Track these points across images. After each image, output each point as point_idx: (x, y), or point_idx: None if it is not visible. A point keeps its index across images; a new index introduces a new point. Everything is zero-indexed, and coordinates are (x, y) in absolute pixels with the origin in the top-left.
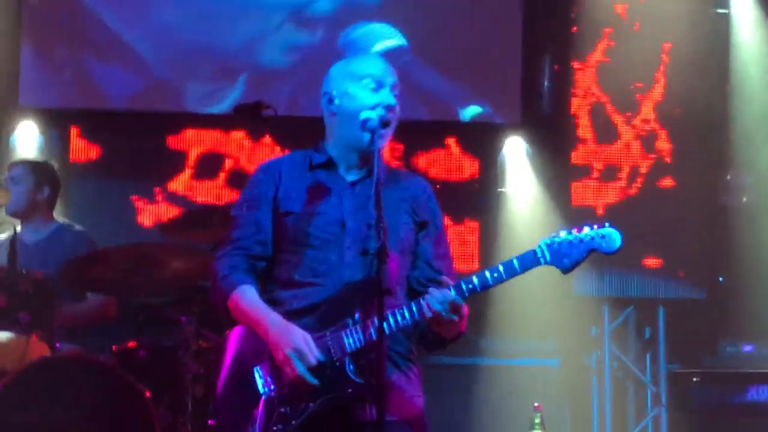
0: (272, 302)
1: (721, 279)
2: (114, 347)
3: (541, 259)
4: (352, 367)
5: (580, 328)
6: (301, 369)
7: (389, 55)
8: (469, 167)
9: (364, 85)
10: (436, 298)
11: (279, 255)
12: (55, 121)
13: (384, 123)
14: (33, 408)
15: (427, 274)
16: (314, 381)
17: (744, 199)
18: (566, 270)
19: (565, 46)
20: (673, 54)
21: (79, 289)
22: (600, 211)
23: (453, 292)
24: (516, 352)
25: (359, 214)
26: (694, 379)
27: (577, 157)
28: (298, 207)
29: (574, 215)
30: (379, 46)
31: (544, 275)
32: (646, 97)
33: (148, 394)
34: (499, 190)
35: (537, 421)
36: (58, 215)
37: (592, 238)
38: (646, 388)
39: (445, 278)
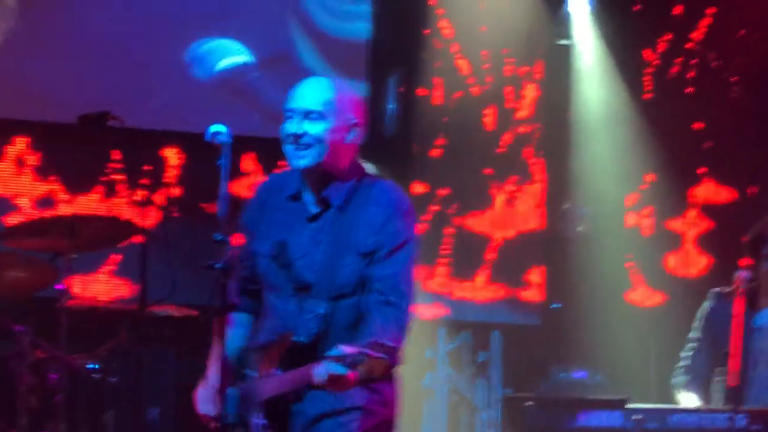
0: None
1: (556, 305)
2: None
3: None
4: (262, 422)
5: (417, 350)
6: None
7: (235, 71)
8: None
9: (285, 115)
10: (320, 371)
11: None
12: None
13: (292, 152)
14: None
15: (371, 299)
16: None
17: (580, 228)
18: None
19: (411, 69)
20: (521, 82)
21: None
22: None
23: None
24: None
25: (312, 252)
26: (527, 404)
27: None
28: (263, 247)
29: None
30: (225, 62)
31: None
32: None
33: None
34: None
35: None
36: None
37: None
38: (479, 412)
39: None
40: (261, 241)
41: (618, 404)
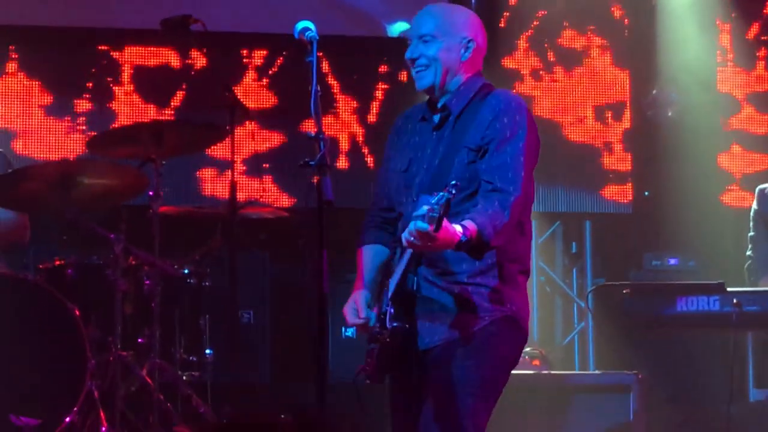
0: None
1: (646, 193)
2: (40, 265)
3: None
4: (392, 311)
5: None
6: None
7: None
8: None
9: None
10: (404, 233)
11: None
12: None
13: (414, 75)
14: None
15: (480, 190)
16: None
17: (669, 113)
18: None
19: None
20: None
21: (7, 208)
22: None
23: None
24: None
25: (429, 159)
26: (624, 291)
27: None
28: (397, 165)
29: None
30: None
31: None
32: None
33: (77, 312)
34: None
35: None
36: None
37: None
38: (573, 302)
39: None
40: (396, 161)
41: (717, 288)
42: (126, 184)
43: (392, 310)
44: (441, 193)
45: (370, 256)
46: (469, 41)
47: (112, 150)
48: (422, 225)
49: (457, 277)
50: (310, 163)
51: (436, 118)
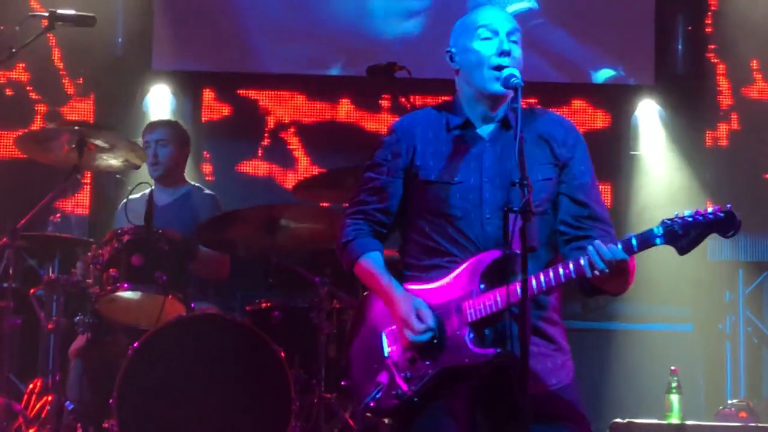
0: (411, 267)
1: None
2: (247, 307)
3: (657, 240)
4: (471, 336)
5: (715, 293)
6: (412, 337)
7: (520, 17)
8: (601, 122)
9: (478, 35)
10: (595, 260)
11: (418, 222)
12: (188, 84)
13: (494, 76)
14: (169, 366)
15: (574, 211)
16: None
17: None
18: (683, 251)
19: (698, 7)
20: None
21: (214, 250)
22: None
23: (620, 248)
24: (650, 318)
25: (500, 174)
26: None
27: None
28: (437, 175)
29: (708, 181)
30: (510, 9)
31: None
32: None
33: (282, 354)
34: (632, 152)
35: (674, 384)
36: (188, 177)
37: (711, 221)
38: None
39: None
40: (435, 172)
41: None
42: (330, 228)
43: (472, 335)
44: (662, 223)
45: (383, 264)
46: None
47: (317, 194)
48: (622, 253)
49: (546, 312)
50: (514, 208)
51: (486, 129)
